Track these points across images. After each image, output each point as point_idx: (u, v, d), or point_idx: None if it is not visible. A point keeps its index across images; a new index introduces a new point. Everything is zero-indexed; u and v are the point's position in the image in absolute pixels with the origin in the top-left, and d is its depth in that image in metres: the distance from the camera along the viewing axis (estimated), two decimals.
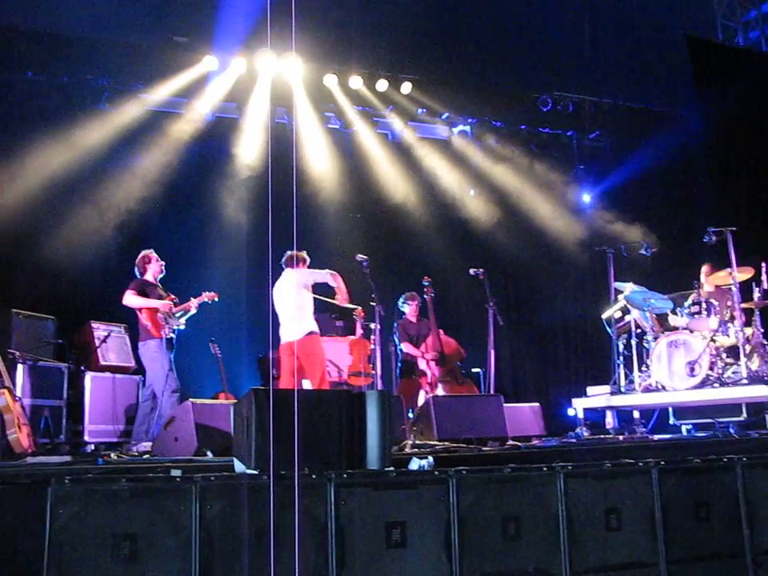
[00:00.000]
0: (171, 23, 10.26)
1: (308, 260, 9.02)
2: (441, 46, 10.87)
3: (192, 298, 8.69)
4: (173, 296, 8.70)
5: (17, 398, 7.42)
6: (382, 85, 11.82)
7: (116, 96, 10.74)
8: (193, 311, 8.69)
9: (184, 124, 11.26)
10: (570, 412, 9.88)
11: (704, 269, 9.62)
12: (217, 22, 10.26)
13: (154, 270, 8.75)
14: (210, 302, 8.77)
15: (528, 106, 12.52)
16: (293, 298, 8.73)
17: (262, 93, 11.43)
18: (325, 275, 8.80)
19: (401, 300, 10.34)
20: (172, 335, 8.48)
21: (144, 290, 8.53)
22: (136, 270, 8.76)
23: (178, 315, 8.58)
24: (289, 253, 8.85)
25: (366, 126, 12.33)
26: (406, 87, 11.92)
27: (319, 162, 11.98)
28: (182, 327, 8.60)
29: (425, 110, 12.39)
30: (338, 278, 8.80)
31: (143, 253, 8.80)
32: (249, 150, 11.47)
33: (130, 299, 8.46)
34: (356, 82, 11.71)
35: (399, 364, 10.28)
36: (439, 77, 12.07)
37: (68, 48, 10.19)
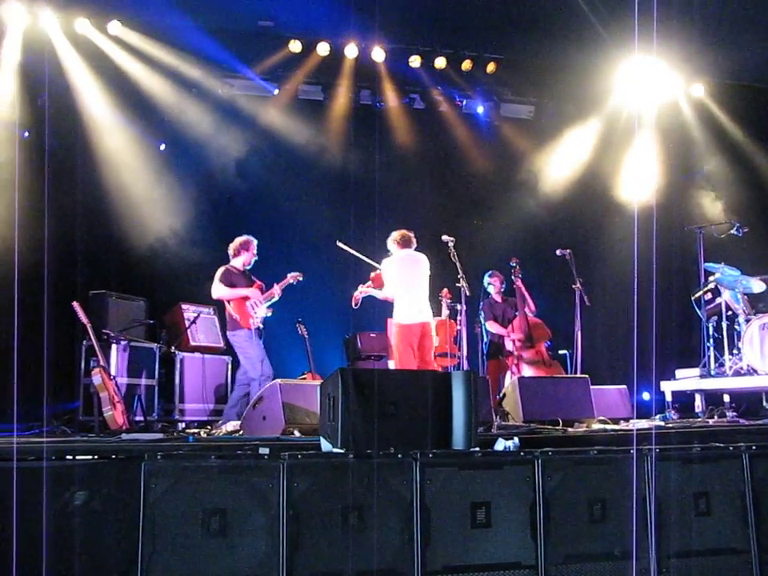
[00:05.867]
0: (256, 8, 10.35)
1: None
2: (526, 25, 10.70)
3: (275, 284, 8.73)
4: (259, 282, 8.75)
5: (111, 377, 7.68)
6: (467, 65, 11.74)
7: (204, 81, 10.90)
8: (276, 297, 8.72)
9: (270, 107, 11.41)
10: (645, 396, 9.72)
11: None
12: (301, 5, 10.32)
13: (245, 259, 8.76)
14: (295, 283, 8.84)
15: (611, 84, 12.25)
16: (426, 280, 8.93)
17: (346, 75, 11.48)
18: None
19: (485, 279, 10.31)
20: (260, 325, 8.54)
21: (231, 280, 8.56)
22: (230, 250, 8.80)
23: (266, 304, 8.65)
24: (410, 234, 8.99)
25: (451, 106, 12.28)
26: (491, 67, 11.81)
27: (404, 142, 11.98)
28: (269, 314, 8.69)
29: (510, 89, 12.28)
30: None
31: (245, 238, 8.82)
32: (333, 131, 11.56)
33: (220, 291, 8.51)
34: (441, 62, 11.65)
35: (486, 345, 10.26)
36: (524, 56, 11.91)
37: (157, 33, 10.37)
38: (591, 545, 4.68)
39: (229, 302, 8.52)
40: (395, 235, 8.93)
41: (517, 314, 10.07)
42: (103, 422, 7.37)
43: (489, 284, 10.31)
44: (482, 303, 10.27)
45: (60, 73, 10.12)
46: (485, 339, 10.26)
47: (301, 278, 8.85)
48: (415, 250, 8.93)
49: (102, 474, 4.19)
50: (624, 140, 12.37)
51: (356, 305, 9.15)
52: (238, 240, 8.83)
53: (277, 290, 8.71)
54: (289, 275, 8.83)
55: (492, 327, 10.11)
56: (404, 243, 8.88)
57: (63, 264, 9.61)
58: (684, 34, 10.03)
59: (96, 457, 4.35)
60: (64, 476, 4.15)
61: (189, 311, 9.75)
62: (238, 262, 8.76)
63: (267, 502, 4.20)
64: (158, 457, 4.13)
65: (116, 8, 10.04)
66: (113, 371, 8.16)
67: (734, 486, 5.01)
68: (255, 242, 8.86)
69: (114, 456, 4.37)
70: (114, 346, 8.56)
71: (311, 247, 10.91)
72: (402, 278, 8.85)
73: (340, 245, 9.44)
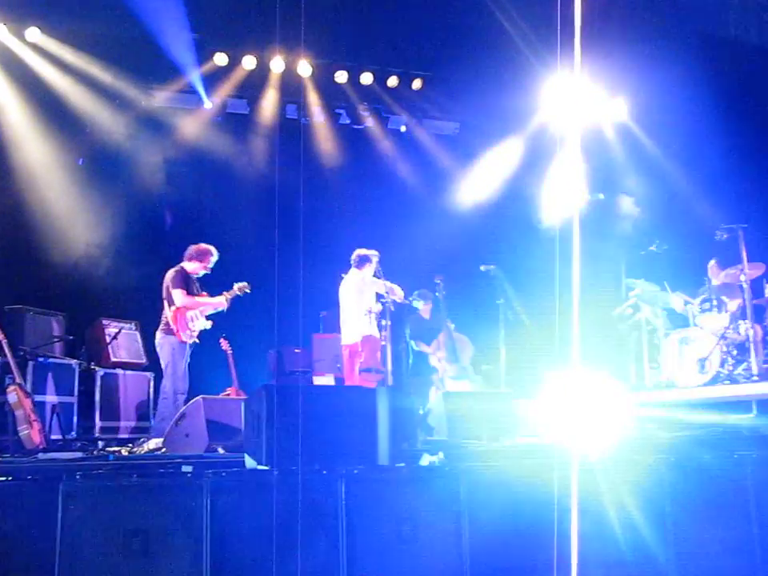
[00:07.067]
0: (181, 19, 10.25)
1: (372, 260, 9.19)
2: (453, 43, 10.83)
3: (224, 292, 8.53)
4: (204, 293, 8.58)
5: (28, 395, 7.46)
6: (393, 81, 11.81)
7: (125, 92, 10.71)
8: (225, 307, 8.52)
9: (194, 120, 11.29)
10: None
11: (711, 264, 9.59)
12: (227, 18, 10.25)
13: (195, 267, 8.52)
14: (241, 294, 8.61)
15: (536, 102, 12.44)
16: (351, 299, 9.13)
17: (272, 89, 11.42)
18: (383, 287, 9.05)
19: (413, 296, 10.31)
20: (196, 340, 8.34)
21: (190, 287, 8.35)
22: (186, 253, 8.56)
23: (206, 314, 8.45)
24: (356, 251, 9.16)
25: (377, 122, 12.32)
26: (417, 83, 11.91)
27: (329, 157, 11.97)
28: (208, 327, 8.48)
29: (435, 106, 12.39)
30: (396, 290, 9.07)
31: (204, 248, 8.58)
32: (259, 146, 11.48)
33: (183, 300, 8.23)
34: (367, 78, 11.69)
35: (411, 361, 10.28)
36: (450, 73, 12.03)
37: (79, 43, 10.17)
38: (516, 556, 4.71)
39: (170, 307, 8.27)
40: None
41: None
42: (19, 441, 7.15)
43: (416, 301, 10.34)
44: (406, 321, 10.30)
45: None
46: (410, 355, 10.28)
47: (248, 290, 8.65)
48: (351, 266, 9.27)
49: (16, 497, 4.05)
50: (549, 157, 12.55)
51: None
52: (199, 246, 8.58)
53: (227, 298, 8.52)
54: (235, 286, 8.59)
55: (417, 346, 10.16)
56: (353, 264, 9.20)
57: None
58: (606, 53, 10.25)
59: (11, 478, 4.21)
60: None
61: (110, 327, 9.55)
62: (188, 267, 8.52)
63: (191, 521, 4.13)
64: (77, 477, 4.02)
65: (34, 15, 9.81)
66: (29, 388, 7.92)
67: (654, 497, 5.12)
68: (214, 256, 8.61)
69: (30, 477, 4.24)
70: (30, 363, 8.33)
71: (236, 261, 10.78)
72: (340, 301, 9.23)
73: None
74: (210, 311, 8.48)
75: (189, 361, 8.34)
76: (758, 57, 11.88)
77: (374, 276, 9.18)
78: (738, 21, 12.74)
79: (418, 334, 10.24)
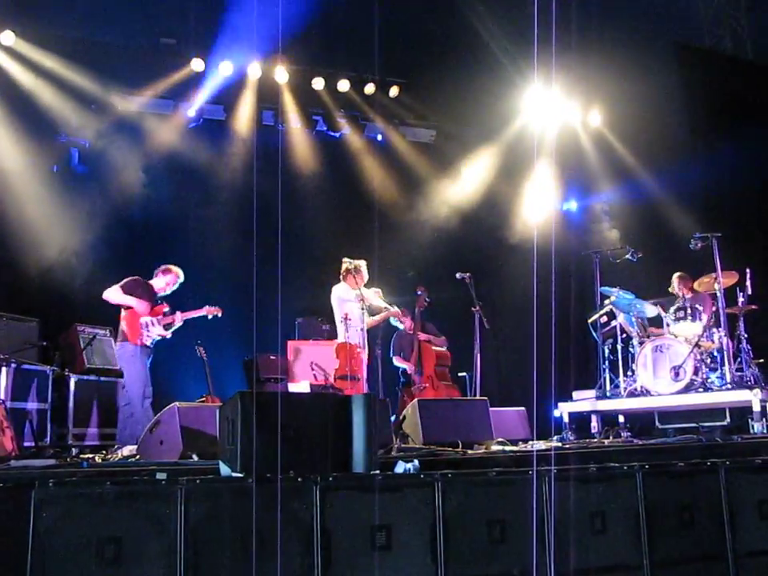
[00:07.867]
0: (159, 25, 10.23)
1: (357, 271, 9.42)
2: (430, 50, 10.88)
3: (178, 312, 8.65)
4: (165, 304, 8.64)
5: (0, 401, 7.38)
6: (370, 88, 11.83)
7: (101, 97, 10.66)
8: (178, 324, 8.63)
9: (170, 126, 11.24)
10: (556, 413, 9.90)
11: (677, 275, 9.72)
12: (204, 24, 10.25)
13: (160, 284, 8.71)
14: (210, 317, 8.75)
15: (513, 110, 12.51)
16: (335, 310, 9.37)
17: (249, 95, 11.41)
18: (356, 296, 9.24)
19: (392, 319, 10.26)
20: (149, 344, 8.42)
21: (132, 290, 8.41)
22: (155, 271, 8.78)
23: (165, 326, 8.51)
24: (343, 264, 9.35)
25: (354, 129, 12.33)
26: (394, 91, 11.93)
27: (306, 164, 11.97)
28: (168, 337, 8.57)
29: (411, 114, 12.43)
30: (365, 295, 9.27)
31: (170, 268, 8.78)
32: (235, 152, 11.45)
33: (110, 293, 8.35)
34: (344, 85, 11.71)
35: (402, 373, 10.28)
36: (427, 81, 12.07)
37: (55, 47, 10.11)
38: (491, 565, 4.70)
39: (122, 312, 8.36)
40: None
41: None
42: None
43: (397, 321, 10.32)
44: (395, 336, 10.32)
45: None
46: (400, 369, 10.30)
47: (219, 314, 8.79)
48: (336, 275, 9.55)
49: None
50: (524, 165, 12.61)
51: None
52: (168, 267, 8.77)
53: (179, 317, 8.60)
54: (206, 308, 8.74)
55: (397, 361, 10.18)
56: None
57: None
58: (582, 63, 10.35)
59: None
60: None
61: (84, 333, 9.48)
62: (155, 283, 8.72)
63: (164, 529, 4.09)
64: (50, 484, 3.98)
65: (10, 18, 9.75)
66: (2, 395, 7.86)
67: (628, 505, 5.13)
68: (179, 278, 8.80)
69: (1, 484, 4.19)
70: (3, 369, 8.25)
71: (211, 268, 10.77)
72: None
73: None
74: (163, 326, 8.56)
75: (149, 366, 8.42)
76: (732, 66, 12.03)
77: (365, 285, 9.35)
78: (712, 31, 12.90)
79: (401, 349, 10.25)
